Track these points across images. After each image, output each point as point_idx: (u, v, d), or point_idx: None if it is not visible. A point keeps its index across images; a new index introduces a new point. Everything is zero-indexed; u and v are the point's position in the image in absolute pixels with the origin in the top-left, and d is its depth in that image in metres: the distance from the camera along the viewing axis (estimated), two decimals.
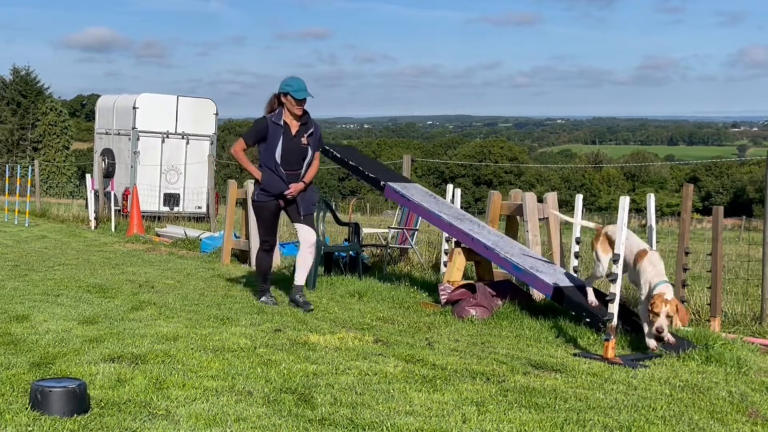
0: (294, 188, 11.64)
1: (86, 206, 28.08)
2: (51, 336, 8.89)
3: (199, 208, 29.38)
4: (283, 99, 11.65)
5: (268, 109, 11.86)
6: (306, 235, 11.83)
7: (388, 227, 17.52)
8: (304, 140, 11.71)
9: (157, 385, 7.02)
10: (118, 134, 29.72)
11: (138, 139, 28.76)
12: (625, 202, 9.43)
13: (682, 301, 10.95)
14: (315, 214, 14.12)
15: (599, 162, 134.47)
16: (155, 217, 27.22)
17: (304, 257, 11.87)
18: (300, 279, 11.85)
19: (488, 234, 12.07)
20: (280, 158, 11.60)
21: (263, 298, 11.92)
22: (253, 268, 15.55)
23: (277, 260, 16.01)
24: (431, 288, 12.75)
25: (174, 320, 10.09)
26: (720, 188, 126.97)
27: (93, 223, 25.86)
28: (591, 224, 11.40)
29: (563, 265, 12.59)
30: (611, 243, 9.95)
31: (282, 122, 11.64)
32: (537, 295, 11.92)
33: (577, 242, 12.56)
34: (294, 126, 11.67)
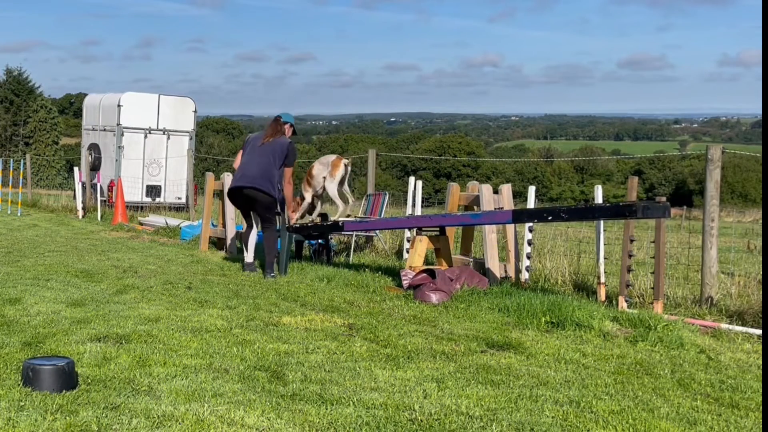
0: None
1: (74, 197, 27.96)
2: (41, 318, 8.86)
3: (179, 198, 29.31)
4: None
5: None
6: None
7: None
8: None
9: (140, 363, 7.02)
10: (104, 130, 29.59)
11: (122, 134, 28.67)
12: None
13: (627, 285, 11.00)
14: None
15: (550, 156, 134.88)
16: (138, 207, 27.12)
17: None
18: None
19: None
20: None
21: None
22: (228, 254, 15.53)
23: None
24: (394, 273, 12.75)
25: (156, 303, 10.07)
26: (663, 180, 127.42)
27: (80, 213, 25.74)
28: None
29: (517, 252, 12.65)
30: None
31: None
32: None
33: (530, 231, 12.61)
34: None
